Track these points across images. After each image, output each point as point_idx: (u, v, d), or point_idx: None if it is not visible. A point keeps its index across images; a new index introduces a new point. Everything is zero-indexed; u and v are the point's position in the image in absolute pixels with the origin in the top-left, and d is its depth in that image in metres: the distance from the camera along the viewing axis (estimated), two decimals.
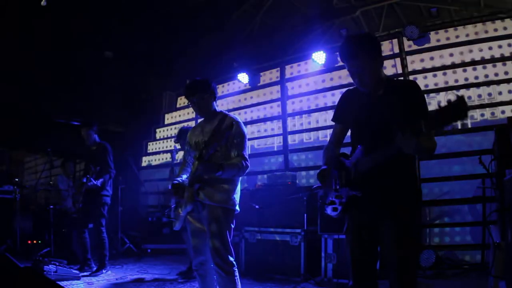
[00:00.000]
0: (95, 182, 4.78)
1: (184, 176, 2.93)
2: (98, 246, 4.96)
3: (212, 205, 2.70)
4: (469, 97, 5.30)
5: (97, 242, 4.96)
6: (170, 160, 4.94)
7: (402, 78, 5.27)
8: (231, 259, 2.71)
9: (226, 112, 2.96)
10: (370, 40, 2.11)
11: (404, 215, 2.06)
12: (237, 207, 2.82)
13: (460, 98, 1.61)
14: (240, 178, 2.88)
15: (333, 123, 2.45)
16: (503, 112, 5.09)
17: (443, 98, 5.43)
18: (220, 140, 2.58)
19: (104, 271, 4.90)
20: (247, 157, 2.79)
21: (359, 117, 2.21)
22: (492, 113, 5.21)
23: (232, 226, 2.80)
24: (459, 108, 1.61)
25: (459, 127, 1.58)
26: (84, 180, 4.78)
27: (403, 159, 2.04)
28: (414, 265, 2.11)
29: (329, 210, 2.25)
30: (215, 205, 2.70)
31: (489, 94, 5.23)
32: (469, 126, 5.25)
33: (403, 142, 1.86)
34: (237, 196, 2.82)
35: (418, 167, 5.06)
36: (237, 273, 2.73)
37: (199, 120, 3.19)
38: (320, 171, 2.30)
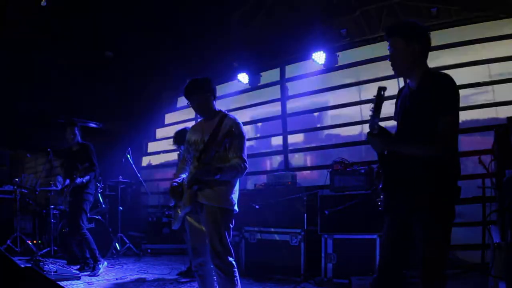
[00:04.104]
0: (81, 180, 4.78)
1: (183, 175, 2.92)
2: (84, 243, 4.92)
3: (210, 206, 2.69)
4: (469, 97, 5.31)
5: (79, 239, 4.94)
6: (176, 159, 4.94)
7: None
8: (231, 259, 2.69)
9: (226, 112, 2.93)
10: (410, 24, 2.14)
11: (434, 213, 2.00)
12: (236, 207, 2.80)
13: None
14: (238, 179, 2.86)
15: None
16: (503, 112, 5.08)
17: None
18: (219, 147, 2.59)
19: (100, 266, 4.85)
20: (246, 158, 2.77)
21: (397, 112, 2.27)
22: (492, 113, 5.21)
23: (231, 227, 2.79)
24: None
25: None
26: (74, 177, 4.78)
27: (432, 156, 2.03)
28: (442, 264, 2.08)
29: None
30: (213, 206, 2.69)
31: (489, 94, 5.23)
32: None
33: (370, 139, 1.98)
34: (235, 196, 2.80)
35: None
36: (237, 274, 2.72)
37: (198, 120, 3.18)
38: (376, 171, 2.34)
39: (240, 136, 2.77)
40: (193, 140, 2.91)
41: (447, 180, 2.03)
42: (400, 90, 2.36)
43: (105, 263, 5.01)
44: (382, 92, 2.05)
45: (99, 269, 4.84)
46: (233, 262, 2.71)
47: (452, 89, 2.02)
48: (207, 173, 2.62)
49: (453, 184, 2.04)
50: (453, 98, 2.01)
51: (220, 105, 3.05)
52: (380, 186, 2.20)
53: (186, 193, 2.74)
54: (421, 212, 2.02)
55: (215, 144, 2.60)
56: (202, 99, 2.84)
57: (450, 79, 2.05)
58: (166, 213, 6.93)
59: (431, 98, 1.99)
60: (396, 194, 2.14)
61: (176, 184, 2.82)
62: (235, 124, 2.77)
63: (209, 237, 2.68)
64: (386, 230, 2.23)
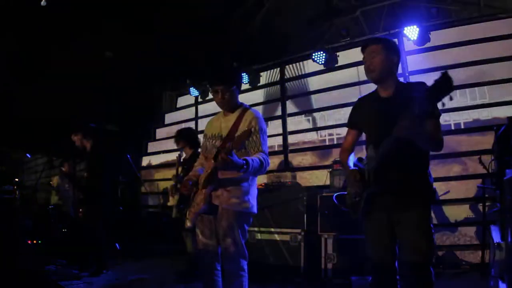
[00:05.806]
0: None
1: (199, 173, 2.76)
2: (96, 246, 4.95)
3: (225, 208, 2.57)
4: (469, 97, 5.31)
5: (94, 242, 4.96)
6: (175, 159, 4.92)
7: (404, 78, 5.27)
8: (243, 264, 2.58)
9: (247, 106, 2.77)
10: (390, 39, 2.42)
11: (420, 213, 2.17)
12: (254, 209, 2.66)
13: (445, 74, 1.77)
14: (256, 179, 2.73)
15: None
16: (502, 112, 5.08)
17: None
18: (237, 146, 2.35)
19: (104, 271, 4.88)
20: (267, 153, 2.62)
21: (371, 118, 2.35)
22: (492, 113, 5.21)
23: (246, 228, 2.65)
24: (444, 83, 1.77)
25: (449, 100, 1.70)
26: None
27: (415, 154, 2.15)
28: (430, 263, 2.17)
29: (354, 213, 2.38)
30: (228, 208, 2.56)
31: (489, 94, 5.23)
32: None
33: (402, 128, 1.97)
34: (252, 197, 2.66)
35: None
36: (246, 279, 2.59)
37: (204, 119, 3.14)
38: (351, 171, 2.36)
39: (260, 130, 2.61)
40: (210, 135, 2.76)
41: (430, 180, 2.24)
42: (361, 100, 2.52)
43: (109, 271, 5.00)
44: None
45: (101, 273, 4.83)
46: (245, 267, 2.58)
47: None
48: (231, 166, 2.35)
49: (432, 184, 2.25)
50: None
51: None
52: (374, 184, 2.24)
53: (200, 193, 2.61)
54: (416, 209, 2.17)
55: (234, 142, 2.35)
56: (227, 91, 2.62)
57: (425, 84, 2.23)
58: (167, 212, 6.92)
59: (415, 104, 2.03)
60: (388, 194, 2.20)
61: (191, 183, 2.68)
62: (255, 119, 2.61)
63: (222, 239, 2.56)
64: (376, 230, 2.30)
